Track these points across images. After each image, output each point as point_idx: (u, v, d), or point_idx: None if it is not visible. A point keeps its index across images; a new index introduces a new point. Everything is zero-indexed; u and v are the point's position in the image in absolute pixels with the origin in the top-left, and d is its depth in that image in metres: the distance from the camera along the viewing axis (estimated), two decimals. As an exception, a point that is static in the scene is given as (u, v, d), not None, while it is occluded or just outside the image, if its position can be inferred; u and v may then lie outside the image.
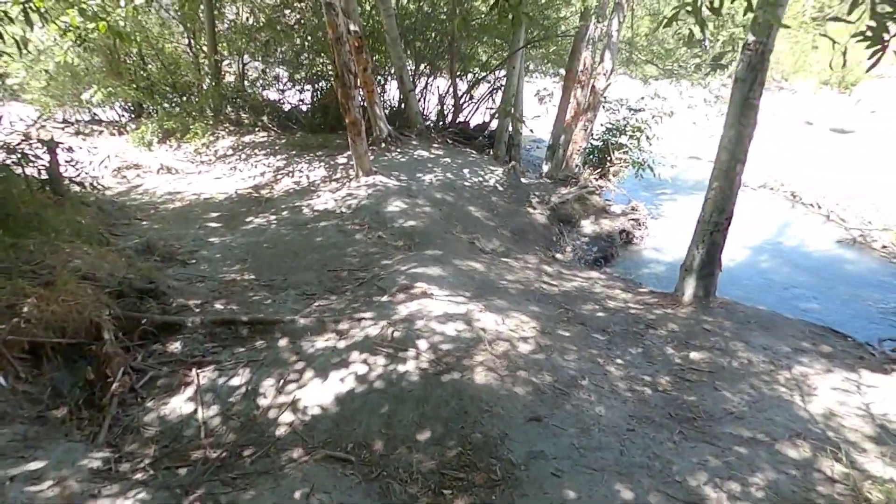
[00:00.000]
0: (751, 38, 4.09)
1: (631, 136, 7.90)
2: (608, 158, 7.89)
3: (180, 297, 3.85)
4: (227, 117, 10.21)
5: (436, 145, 9.02)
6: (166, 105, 10.82)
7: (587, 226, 7.24)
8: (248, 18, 11.23)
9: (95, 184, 5.30)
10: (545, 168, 8.86)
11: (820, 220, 8.55)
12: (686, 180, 10.60)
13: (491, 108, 10.38)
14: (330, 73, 10.55)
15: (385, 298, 3.91)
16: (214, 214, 6.27)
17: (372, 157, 7.29)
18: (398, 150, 8.42)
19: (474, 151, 9.33)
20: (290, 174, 7.71)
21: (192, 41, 11.10)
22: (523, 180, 7.96)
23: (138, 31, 10.00)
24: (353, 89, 6.47)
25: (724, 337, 3.99)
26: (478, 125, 10.44)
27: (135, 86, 10.14)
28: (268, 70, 11.52)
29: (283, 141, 9.23)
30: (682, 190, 10.17)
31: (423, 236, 5.50)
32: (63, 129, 10.68)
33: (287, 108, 11.39)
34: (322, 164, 7.92)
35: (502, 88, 10.39)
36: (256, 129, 9.99)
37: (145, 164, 8.29)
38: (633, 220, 7.55)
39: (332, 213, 6.14)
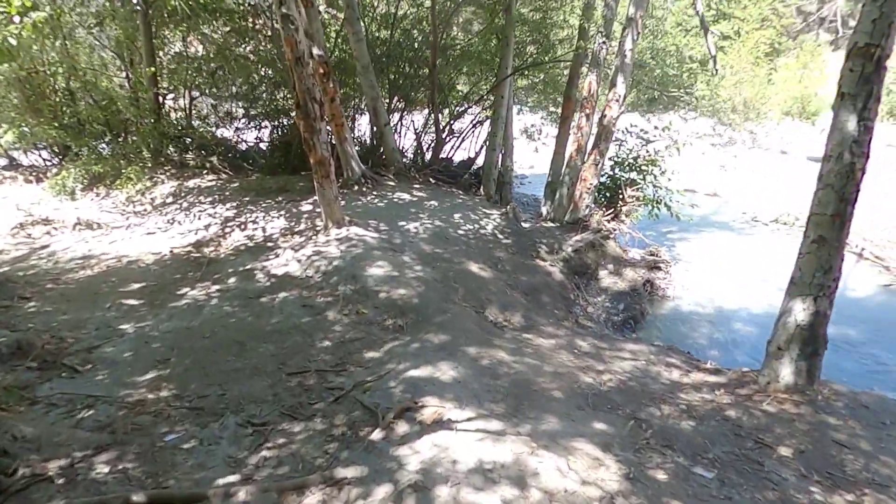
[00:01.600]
0: (861, 39, 3.06)
1: (642, 171, 6.89)
2: (620, 197, 6.82)
3: (36, 453, 2.32)
4: (168, 159, 8.72)
5: (417, 186, 7.78)
6: (102, 146, 9.30)
7: (606, 278, 6.05)
8: (195, 49, 9.93)
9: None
10: (544, 209, 7.73)
11: (851, 258, 7.66)
12: (690, 215, 9.69)
13: (474, 143, 9.29)
14: (291, 107, 9.30)
15: (377, 434, 2.49)
16: (136, 286, 4.73)
17: (343, 203, 5.95)
18: (374, 193, 7.12)
19: (461, 191, 8.13)
20: (242, 226, 6.26)
21: (130, 74, 9.68)
22: (524, 225, 6.76)
23: (62, 61, 8.55)
24: (318, 121, 5.18)
25: (877, 459, 2.74)
26: (462, 161, 9.32)
27: (56, 124, 8.57)
28: (219, 105, 10.17)
29: (236, 185, 7.79)
30: (688, 227, 9.19)
31: (418, 310, 4.13)
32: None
33: (243, 147, 10.03)
34: (282, 212, 6.51)
35: (488, 121, 9.36)
36: (204, 171, 8.53)
37: (59, 218, 6.68)
38: (655, 267, 6.42)
39: (295, 279, 4.71)
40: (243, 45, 9.46)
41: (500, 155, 8.36)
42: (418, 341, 3.61)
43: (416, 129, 9.99)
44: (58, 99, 9.13)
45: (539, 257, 5.96)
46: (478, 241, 6.01)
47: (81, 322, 3.95)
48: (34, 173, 9.07)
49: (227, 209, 6.82)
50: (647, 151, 7.05)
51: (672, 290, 6.32)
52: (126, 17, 8.37)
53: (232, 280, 4.77)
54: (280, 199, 7.07)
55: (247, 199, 7.15)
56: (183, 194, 7.62)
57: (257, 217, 6.43)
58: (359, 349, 3.55)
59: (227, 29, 9.45)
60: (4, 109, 8.75)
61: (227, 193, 7.40)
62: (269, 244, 5.63)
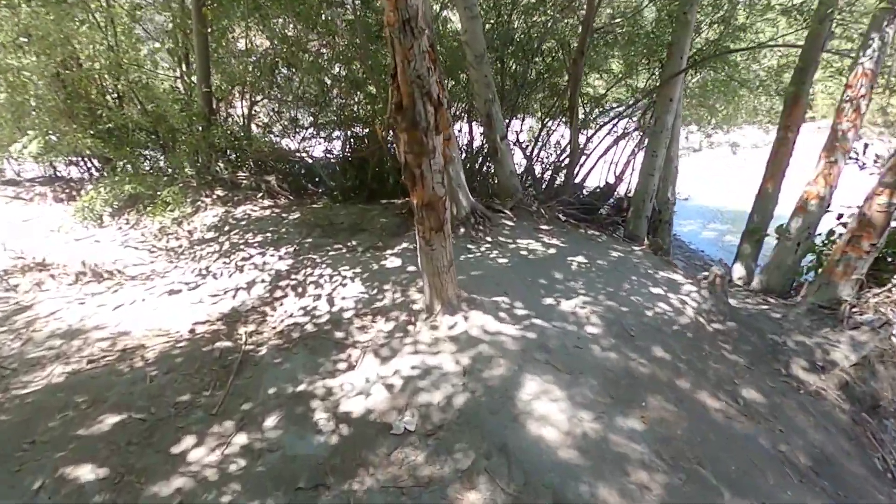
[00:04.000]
0: None
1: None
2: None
3: None
4: (217, 178, 6.92)
5: (544, 226, 5.44)
6: (148, 158, 7.78)
7: (916, 417, 3.39)
8: (258, 43, 8.18)
9: None
10: (738, 271, 5.13)
11: None
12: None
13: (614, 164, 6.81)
14: (370, 114, 7.29)
15: None
16: (110, 422, 2.67)
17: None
18: (488, 239, 4.85)
19: (602, 233, 5.71)
20: (299, 288, 4.17)
21: (185, 72, 8.07)
22: (731, 301, 4.21)
23: (103, 54, 6.99)
24: (431, 136, 2.98)
25: None
26: (597, 190, 6.87)
27: (91, 132, 7.01)
28: (283, 111, 8.36)
29: (296, 216, 5.80)
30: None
31: None
32: None
33: (310, 163, 8.13)
34: (358, 268, 4.36)
35: (642, 134, 6.87)
36: (258, 194, 6.64)
37: (59, 261, 4.90)
38: None
39: (384, 433, 2.48)
40: (315, 38, 7.59)
41: (658, 183, 5.85)
42: None
43: (520, 144, 7.68)
44: (99, 100, 7.62)
45: (791, 374, 3.42)
46: (678, 337, 3.54)
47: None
48: (67, 190, 7.59)
49: (281, 256, 4.77)
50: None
51: None
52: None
53: (270, 422, 2.61)
54: (354, 243, 4.95)
55: (308, 240, 5.09)
56: (227, 228, 5.71)
57: (322, 275, 4.31)
58: None
59: (295, 17, 7.62)
60: (39, 112, 7.28)
61: (284, 230, 5.39)
62: (339, 333, 3.46)
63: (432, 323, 3.28)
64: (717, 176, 11.05)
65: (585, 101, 6.87)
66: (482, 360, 2.87)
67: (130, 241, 5.89)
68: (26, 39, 6.58)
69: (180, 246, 5.69)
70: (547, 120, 7.33)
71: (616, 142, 6.79)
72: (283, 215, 5.84)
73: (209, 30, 7.16)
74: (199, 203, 6.44)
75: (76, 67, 7.16)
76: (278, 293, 4.20)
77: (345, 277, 4.19)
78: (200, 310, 4.03)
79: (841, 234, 4.56)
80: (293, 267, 4.54)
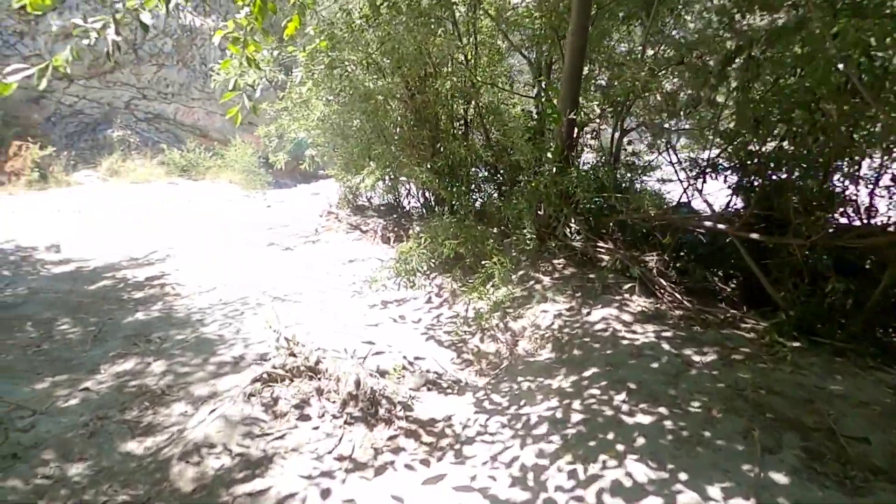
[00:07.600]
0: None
1: None
2: None
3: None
4: (565, 244, 4.54)
5: None
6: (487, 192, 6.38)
7: None
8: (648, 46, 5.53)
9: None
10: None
11: None
12: None
13: None
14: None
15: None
16: None
17: None
18: None
19: None
20: None
21: (543, 91, 6.12)
22: None
23: (457, 74, 5.60)
24: None
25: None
26: None
27: (429, 165, 5.74)
28: (658, 135, 5.49)
29: (713, 358, 2.79)
30: None
31: None
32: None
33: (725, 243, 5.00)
34: None
35: None
36: (626, 286, 3.93)
37: (339, 370, 3.25)
38: None
39: None
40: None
41: None
42: None
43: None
44: (446, 126, 6.37)
45: None
46: None
47: None
48: (396, 228, 6.66)
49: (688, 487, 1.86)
50: None
51: None
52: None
53: None
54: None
55: (779, 477, 2.00)
56: (575, 353, 3.18)
57: None
58: None
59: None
60: (386, 141, 6.46)
61: (698, 407, 2.45)
62: None
63: None
64: None
65: None
66: None
67: (437, 329, 4.07)
68: (388, 60, 5.73)
69: (498, 361, 3.50)
70: None
71: None
72: (684, 351, 2.93)
73: (588, 29, 4.92)
74: (531, 283, 4.20)
75: (427, 88, 5.98)
76: None
77: None
78: None
79: None
80: None
